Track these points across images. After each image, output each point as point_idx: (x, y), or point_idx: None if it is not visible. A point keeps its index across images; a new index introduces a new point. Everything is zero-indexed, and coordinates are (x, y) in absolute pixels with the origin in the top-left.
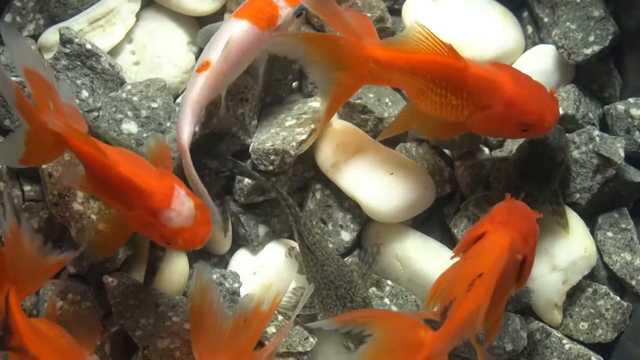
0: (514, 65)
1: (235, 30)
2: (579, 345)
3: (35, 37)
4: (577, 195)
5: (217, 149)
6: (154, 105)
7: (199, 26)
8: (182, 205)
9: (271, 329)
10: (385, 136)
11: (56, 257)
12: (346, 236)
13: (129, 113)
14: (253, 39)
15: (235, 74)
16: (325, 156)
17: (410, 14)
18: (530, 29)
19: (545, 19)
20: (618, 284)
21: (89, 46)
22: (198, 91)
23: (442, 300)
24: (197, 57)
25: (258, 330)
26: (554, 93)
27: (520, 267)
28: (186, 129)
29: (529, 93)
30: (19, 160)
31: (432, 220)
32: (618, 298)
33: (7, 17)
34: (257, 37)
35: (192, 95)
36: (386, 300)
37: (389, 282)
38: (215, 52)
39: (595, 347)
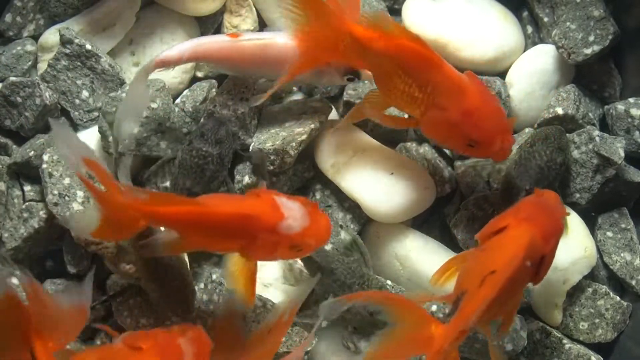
0: (514, 65)
1: (281, 40)
2: (579, 345)
3: (36, 37)
4: (577, 195)
5: (218, 135)
6: (154, 105)
7: (199, 26)
8: (292, 210)
9: None
10: (349, 121)
11: (78, 303)
12: (346, 236)
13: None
14: (283, 58)
15: (246, 71)
16: (325, 156)
17: (410, 14)
18: (530, 28)
19: (545, 19)
20: (618, 284)
21: (89, 46)
22: (208, 41)
23: (455, 289)
24: None
25: (278, 340)
26: (514, 121)
27: (539, 264)
28: (172, 51)
29: (488, 111)
30: (92, 233)
31: (432, 220)
32: (618, 298)
33: (7, 17)
34: (288, 59)
35: (201, 40)
36: None
37: (389, 282)
38: (253, 36)
39: (595, 347)
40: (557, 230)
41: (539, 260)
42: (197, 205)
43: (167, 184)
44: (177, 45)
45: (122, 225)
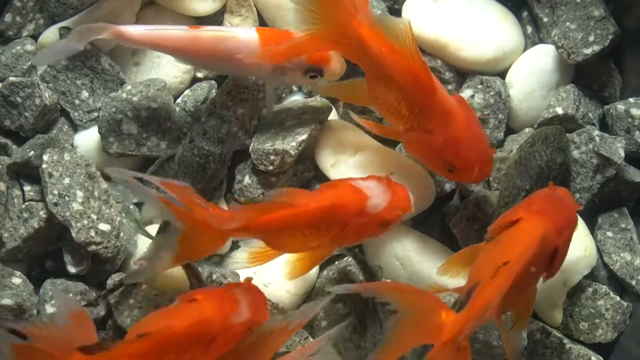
0: (514, 65)
1: (242, 36)
2: (579, 345)
3: (35, 37)
4: (577, 195)
5: (220, 134)
6: (154, 105)
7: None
8: (372, 188)
9: None
10: (325, 94)
11: (71, 311)
12: None
13: (129, 113)
14: (240, 54)
15: (202, 63)
16: (325, 156)
17: (410, 14)
18: (530, 28)
19: (545, 19)
20: (618, 284)
21: (89, 46)
22: (168, 30)
23: (468, 281)
24: None
25: (278, 344)
26: (494, 152)
27: (552, 257)
28: (133, 28)
29: (470, 139)
30: (173, 261)
31: (432, 220)
32: (618, 298)
33: (7, 17)
34: (250, 56)
35: (162, 27)
36: None
37: (389, 281)
38: (214, 29)
39: (595, 347)
40: (570, 223)
41: (552, 253)
42: (284, 210)
43: None
44: (141, 26)
45: (206, 243)
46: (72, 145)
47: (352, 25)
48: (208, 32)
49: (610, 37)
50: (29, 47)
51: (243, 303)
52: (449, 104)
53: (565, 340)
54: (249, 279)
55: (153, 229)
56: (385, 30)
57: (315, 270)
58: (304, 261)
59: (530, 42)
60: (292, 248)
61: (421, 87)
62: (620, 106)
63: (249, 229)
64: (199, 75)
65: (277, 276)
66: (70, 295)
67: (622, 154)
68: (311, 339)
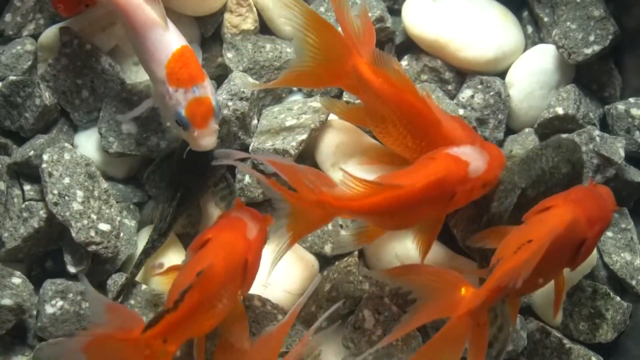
0: (514, 65)
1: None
2: (579, 345)
3: (35, 36)
4: None
5: (220, 133)
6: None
7: (199, 26)
8: (469, 154)
9: (271, 329)
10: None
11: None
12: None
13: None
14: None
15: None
16: (325, 156)
17: (410, 14)
18: (530, 28)
19: (546, 19)
20: (618, 284)
21: (89, 46)
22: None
23: (492, 259)
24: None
25: (280, 341)
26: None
27: (579, 247)
28: None
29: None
30: (290, 241)
31: None
32: (618, 298)
33: (7, 17)
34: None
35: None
36: (386, 300)
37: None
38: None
39: (596, 347)
40: (604, 219)
41: (580, 244)
42: (391, 192)
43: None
44: None
45: (313, 222)
46: (72, 145)
47: (351, 60)
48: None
49: (610, 37)
50: (29, 46)
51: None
52: (454, 133)
53: (565, 341)
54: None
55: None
56: (386, 68)
57: (315, 270)
58: (427, 235)
59: (530, 42)
60: (400, 225)
61: (424, 121)
62: (621, 106)
63: (356, 212)
64: None
65: (277, 277)
66: (71, 295)
67: (623, 154)
68: (311, 339)
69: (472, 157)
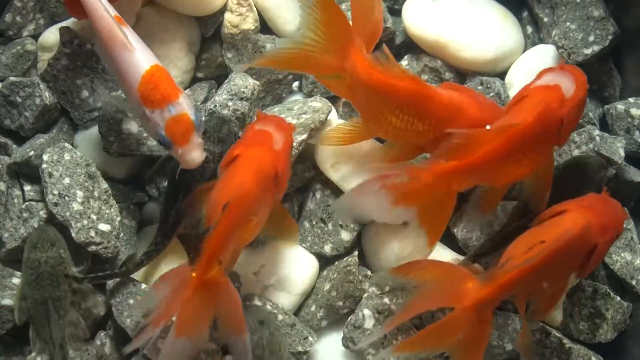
0: (514, 66)
1: (135, 53)
2: (579, 345)
3: (36, 37)
4: None
5: (221, 134)
6: None
7: (199, 26)
8: (555, 78)
9: None
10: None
11: None
12: (346, 236)
13: (129, 113)
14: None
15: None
16: (325, 156)
17: (410, 14)
18: (530, 29)
19: (545, 19)
20: (618, 284)
21: (89, 46)
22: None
23: (502, 258)
24: (197, 58)
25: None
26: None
27: (589, 254)
28: None
29: (488, 112)
30: (428, 245)
31: None
32: (618, 298)
33: (7, 17)
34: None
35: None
36: (386, 300)
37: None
38: (126, 32)
39: (596, 347)
40: (616, 228)
41: (591, 250)
42: (506, 132)
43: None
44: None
45: (442, 203)
46: (72, 145)
47: (352, 55)
48: (114, 27)
49: (610, 37)
50: (29, 47)
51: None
52: (453, 99)
53: (565, 340)
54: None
55: (153, 229)
56: (381, 62)
57: (314, 270)
58: (542, 180)
59: (530, 42)
60: (518, 172)
61: (421, 97)
62: (620, 106)
63: (479, 165)
64: (199, 75)
65: (277, 277)
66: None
67: (622, 154)
68: (311, 339)
69: (558, 79)
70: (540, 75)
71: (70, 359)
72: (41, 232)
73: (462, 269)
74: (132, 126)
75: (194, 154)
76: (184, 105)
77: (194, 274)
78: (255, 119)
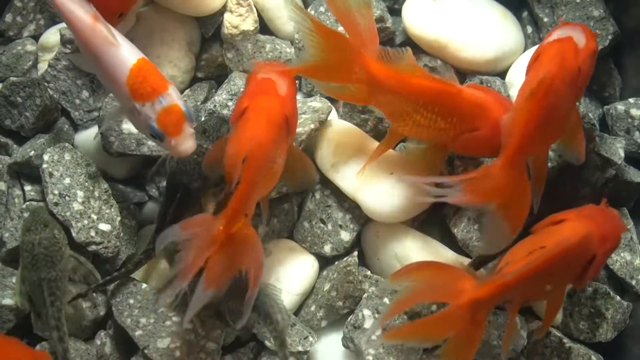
0: (514, 65)
1: (120, 51)
2: (579, 345)
3: (36, 37)
4: None
5: (220, 133)
6: None
7: (199, 26)
8: (567, 31)
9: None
10: (381, 151)
11: None
12: (346, 236)
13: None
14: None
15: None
16: (325, 156)
17: (410, 14)
18: (530, 28)
19: (545, 19)
20: (618, 284)
21: None
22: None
23: (501, 262)
24: (197, 58)
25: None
26: None
27: (588, 264)
28: None
29: (506, 105)
30: (512, 231)
31: (431, 220)
32: (618, 297)
33: (8, 17)
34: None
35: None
36: (385, 300)
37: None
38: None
39: (596, 346)
40: (615, 239)
41: (589, 260)
42: (531, 91)
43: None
44: None
45: (516, 186)
46: (72, 145)
47: (358, 61)
48: (94, 26)
49: (610, 37)
50: (30, 47)
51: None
52: (479, 96)
53: (565, 340)
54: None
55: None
56: (393, 62)
57: (314, 270)
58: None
59: (530, 42)
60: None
61: (444, 95)
62: (620, 106)
63: (530, 139)
64: (199, 75)
65: (277, 277)
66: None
67: (622, 155)
68: (311, 339)
69: (569, 32)
70: (551, 32)
71: (67, 341)
72: (34, 214)
73: (460, 269)
74: (132, 126)
75: (187, 144)
76: (174, 96)
77: (221, 227)
78: (254, 68)
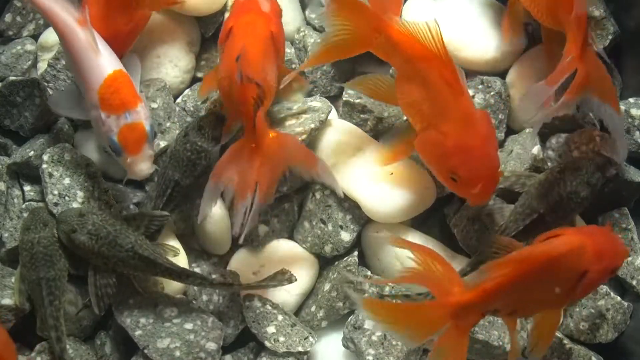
0: (514, 65)
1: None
2: (579, 346)
3: (35, 36)
4: None
5: (216, 131)
6: (154, 105)
7: (199, 26)
8: None
9: (271, 329)
10: (350, 87)
11: None
12: (346, 236)
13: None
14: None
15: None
16: (325, 156)
17: (411, 14)
18: (530, 28)
19: None
20: (618, 284)
21: None
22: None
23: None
24: (197, 58)
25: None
26: (501, 174)
27: (579, 279)
28: None
29: (482, 154)
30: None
31: (432, 220)
32: (619, 298)
33: (7, 17)
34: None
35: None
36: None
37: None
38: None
39: (596, 347)
40: (614, 259)
41: (580, 275)
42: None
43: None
44: None
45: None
46: (72, 145)
47: (381, 25)
48: (76, 30)
49: (610, 37)
50: (29, 47)
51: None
52: (471, 113)
53: (566, 341)
54: None
55: None
56: (414, 30)
57: (315, 270)
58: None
59: (530, 42)
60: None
61: (447, 86)
62: (620, 106)
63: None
64: (199, 75)
65: None
66: (71, 295)
67: None
68: (311, 340)
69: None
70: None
71: (65, 341)
72: (34, 214)
73: (455, 272)
74: None
75: (143, 165)
76: (141, 114)
77: (253, 145)
78: None
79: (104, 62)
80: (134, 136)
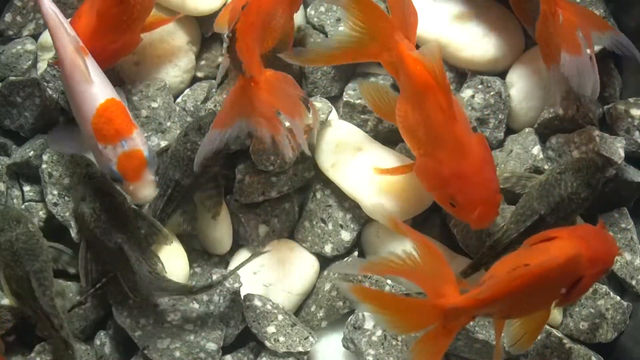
0: (514, 65)
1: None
2: (579, 345)
3: (35, 36)
4: None
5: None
6: (154, 105)
7: (199, 26)
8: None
9: (271, 329)
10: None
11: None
12: (346, 236)
13: (129, 113)
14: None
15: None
16: (325, 156)
17: None
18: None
19: None
20: (618, 284)
21: None
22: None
23: (485, 276)
24: (197, 57)
25: None
26: (501, 198)
27: (574, 284)
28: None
29: (479, 180)
30: None
31: (432, 220)
32: (618, 298)
33: (7, 17)
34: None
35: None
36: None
37: (389, 281)
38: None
39: (596, 347)
40: (606, 263)
41: (576, 281)
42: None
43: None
44: (54, 8)
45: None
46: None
47: (394, 38)
48: (70, 50)
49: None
50: (29, 46)
51: None
52: (467, 139)
53: (565, 340)
54: None
55: None
56: (420, 55)
57: (315, 270)
58: None
59: (530, 42)
60: None
61: (443, 115)
62: (620, 106)
63: None
64: (199, 74)
65: (277, 277)
66: (71, 295)
67: (622, 154)
68: (311, 340)
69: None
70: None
71: (67, 327)
72: (3, 214)
73: (453, 274)
74: None
75: (145, 191)
76: (138, 141)
77: (252, 84)
78: None
79: (97, 92)
80: (132, 164)
